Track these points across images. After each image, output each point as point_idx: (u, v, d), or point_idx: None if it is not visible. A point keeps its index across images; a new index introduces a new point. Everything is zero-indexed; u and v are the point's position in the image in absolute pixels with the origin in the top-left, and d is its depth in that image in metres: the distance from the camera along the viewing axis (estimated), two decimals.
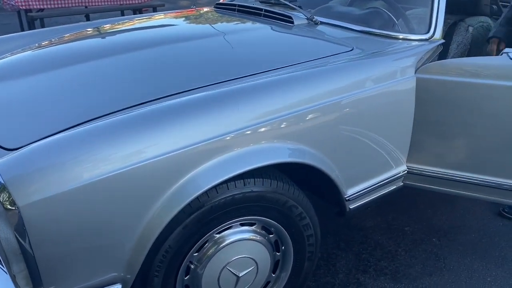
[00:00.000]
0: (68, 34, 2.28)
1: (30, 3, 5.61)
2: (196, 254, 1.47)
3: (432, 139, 1.86)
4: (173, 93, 1.50)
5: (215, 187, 1.38)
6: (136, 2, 6.46)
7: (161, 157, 1.25)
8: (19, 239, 1.12)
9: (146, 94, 1.50)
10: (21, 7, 5.59)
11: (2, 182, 1.09)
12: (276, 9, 2.20)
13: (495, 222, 2.38)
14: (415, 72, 1.80)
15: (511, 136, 1.74)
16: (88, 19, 6.27)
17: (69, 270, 1.23)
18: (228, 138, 1.36)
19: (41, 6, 5.71)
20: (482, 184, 1.85)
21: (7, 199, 1.09)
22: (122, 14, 6.44)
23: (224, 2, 2.54)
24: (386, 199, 1.95)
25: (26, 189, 1.10)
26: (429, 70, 1.79)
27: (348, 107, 1.64)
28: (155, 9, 6.41)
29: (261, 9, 2.21)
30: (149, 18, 2.60)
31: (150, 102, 1.44)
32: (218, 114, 1.38)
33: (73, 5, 6.00)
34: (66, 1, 5.92)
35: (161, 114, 1.33)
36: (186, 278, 1.48)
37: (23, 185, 1.10)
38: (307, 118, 1.54)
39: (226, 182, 1.40)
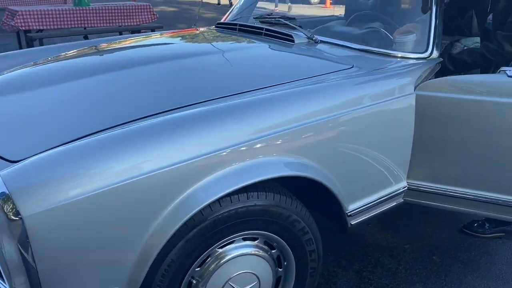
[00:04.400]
0: (68, 52, 2.29)
1: (30, 24, 5.66)
2: (198, 269, 1.45)
3: (432, 156, 1.87)
4: (174, 108, 1.51)
5: (218, 200, 1.38)
6: (135, 24, 6.54)
7: (163, 170, 1.25)
8: (22, 251, 1.11)
9: (147, 108, 1.51)
10: (20, 28, 5.64)
11: (7, 192, 1.09)
12: (276, 29, 2.23)
13: (494, 239, 2.37)
14: (414, 90, 1.82)
15: (509, 152, 1.76)
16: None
17: (70, 284, 1.21)
18: (231, 151, 1.37)
19: (41, 27, 5.77)
20: (481, 200, 1.85)
21: (11, 209, 1.08)
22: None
23: (225, 21, 2.58)
24: (386, 215, 1.95)
25: (30, 200, 1.10)
26: (429, 87, 1.82)
27: (348, 123, 1.65)
28: (153, 31, 6.47)
29: (262, 28, 2.24)
30: (152, 36, 2.63)
31: (154, 116, 1.45)
32: (221, 128, 1.39)
33: (72, 26, 6.06)
34: (65, 22, 5.99)
35: (164, 128, 1.34)
36: None
37: (28, 195, 1.10)
38: (309, 133, 1.55)
39: (229, 195, 1.40)
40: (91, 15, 6.17)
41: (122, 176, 1.20)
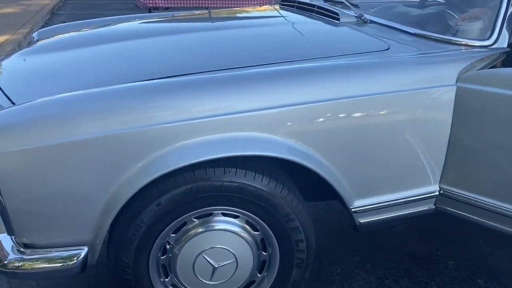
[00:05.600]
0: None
1: (157, 1, 6.20)
2: (173, 234, 1.47)
3: (471, 160, 1.60)
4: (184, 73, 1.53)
5: (192, 170, 1.37)
6: (255, 3, 6.73)
7: (135, 129, 1.29)
8: None
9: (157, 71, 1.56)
10: (149, 5, 6.20)
11: None
12: (329, 7, 2.11)
13: None
14: (456, 81, 1.57)
15: None
16: None
17: (39, 226, 1.33)
18: (212, 121, 1.35)
19: (166, 5, 6.27)
20: None
21: None
22: None
23: None
24: (412, 220, 1.74)
25: (1, 140, 1.22)
26: (474, 79, 1.55)
27: (364, 109, 1.51)
28: None
29: (314, 6, 2.14)
30: (228, 10, 2.76)
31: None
32: (214, 95, 1.39)
33: (195, 5, 6.47)
34: (189, 1, 6.41)
35: (157, 89, 1.40)
36: (163, 257, 1.49)
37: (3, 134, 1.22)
38: (311, 116, 1.46)
39: (204, 167, 1.38)
40: None
41: (95, 130, 1.27)
